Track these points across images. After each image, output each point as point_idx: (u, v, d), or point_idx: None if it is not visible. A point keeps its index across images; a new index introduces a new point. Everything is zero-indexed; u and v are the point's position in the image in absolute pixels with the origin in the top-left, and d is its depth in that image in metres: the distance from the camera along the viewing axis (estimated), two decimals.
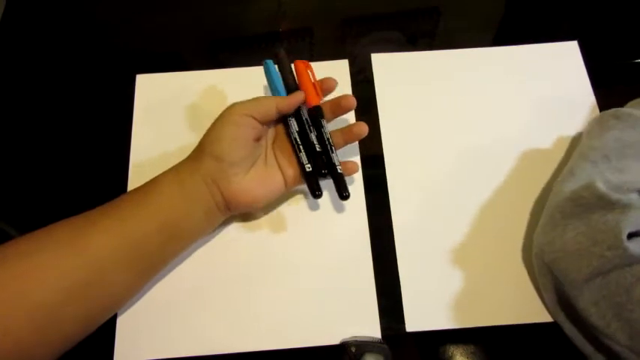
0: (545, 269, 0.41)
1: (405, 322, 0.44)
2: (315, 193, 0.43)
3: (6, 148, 0.52)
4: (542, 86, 0.54)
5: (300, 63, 0.47)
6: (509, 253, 0.46)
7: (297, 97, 0.45)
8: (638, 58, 0.57)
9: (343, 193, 0.44)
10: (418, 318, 0.44)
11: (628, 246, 0.37)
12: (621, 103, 0.48)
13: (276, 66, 0.47)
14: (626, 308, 0.37)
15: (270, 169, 0.45)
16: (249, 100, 0.43)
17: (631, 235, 0.38)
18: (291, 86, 0.46)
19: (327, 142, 0.45)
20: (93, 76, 0.56)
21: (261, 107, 0.42)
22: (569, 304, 0.40)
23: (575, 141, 0.51)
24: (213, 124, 0.42)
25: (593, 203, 0.39)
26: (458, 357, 0.43)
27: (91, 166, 0.51)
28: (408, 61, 0.56)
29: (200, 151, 0.42)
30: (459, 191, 0.49)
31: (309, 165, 0.44)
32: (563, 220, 0.41)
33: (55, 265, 0.36)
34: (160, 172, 0.42)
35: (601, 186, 0.39)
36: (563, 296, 0.41)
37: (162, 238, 0.40)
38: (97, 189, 0.49)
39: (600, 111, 0.52)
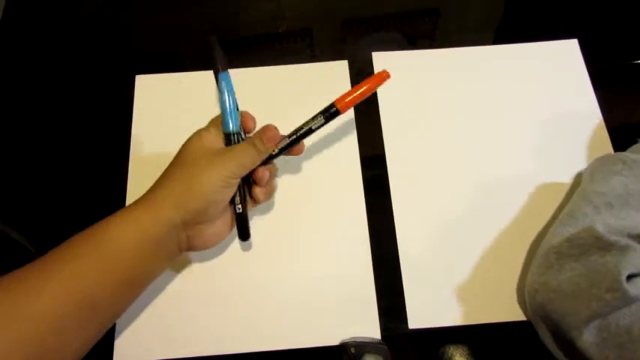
0: (538, 308, 0.41)
1: (408, 319, 0.44)
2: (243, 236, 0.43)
3: (6, 149, 0.52)
4: (543, 84, 0.55)
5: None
6: (513, 250, 0.46)
7: (271, 138, 0.41)
8: (638, 59, 0.57)
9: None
10: (420, 316, 0.44)
11: (628, 288, 0.36)
12: (622, 104, 0.48)
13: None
14: (628, 349, 0.36)
15: (228, 206, 0.42)
16: (235, 159, 0.39)
17: (629, 277, 0.37)
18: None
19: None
20: (92, 77, 0.55)
21: (248, 166, 0.40)
22: (567, 343, 0.39)
23: (578, 178, 0.49)
24: (194, 175, 0.38)
25: (591, 244, 0.39)
26: (457, 357, 0.43)
27: (90, 167, 0.51)
28: (410, 59, 0.56)
29: (170, 198, 0.37)
30: (461, 189, 0.49)
31: (239, 206, 0.42)
32: (558, 260, 0.40)
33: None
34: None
35: (600, 228, 0.39)
36: (558, 334, 0.40)
37: (122, 293, 0.37)
38: (97, 190, 0.49)
39: (601, 110, 0.53)
